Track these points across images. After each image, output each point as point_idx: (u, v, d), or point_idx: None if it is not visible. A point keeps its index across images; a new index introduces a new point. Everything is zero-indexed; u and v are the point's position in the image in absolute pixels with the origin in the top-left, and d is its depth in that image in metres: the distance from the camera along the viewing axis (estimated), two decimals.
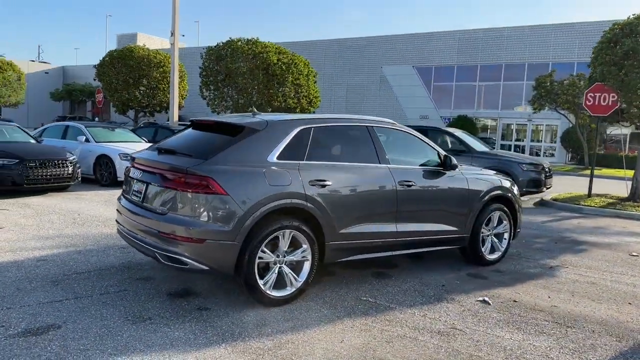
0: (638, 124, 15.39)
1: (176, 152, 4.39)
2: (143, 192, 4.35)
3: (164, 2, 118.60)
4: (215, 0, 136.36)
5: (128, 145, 11.86)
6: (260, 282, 4.12)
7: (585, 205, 11.12)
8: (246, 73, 22.21)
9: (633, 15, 11.49)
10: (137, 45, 30.07)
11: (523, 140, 34.07)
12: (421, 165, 5.40)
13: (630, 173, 12.87)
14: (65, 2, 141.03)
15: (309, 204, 4.29)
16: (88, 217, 7.74)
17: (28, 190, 9.66)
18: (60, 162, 9.95)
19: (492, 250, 5.96)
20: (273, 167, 4.23)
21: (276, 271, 4.25)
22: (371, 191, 4.82)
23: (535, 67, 31.75)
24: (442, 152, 5.55)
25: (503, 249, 6.05)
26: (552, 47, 32.12)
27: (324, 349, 3.52)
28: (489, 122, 35.46)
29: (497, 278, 5.43)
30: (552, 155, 32.40)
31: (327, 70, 38.87)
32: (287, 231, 4.22)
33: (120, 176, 11.07)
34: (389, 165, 4.99)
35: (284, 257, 4.28)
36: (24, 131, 11.45)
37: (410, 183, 5.06)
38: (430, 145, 5.57)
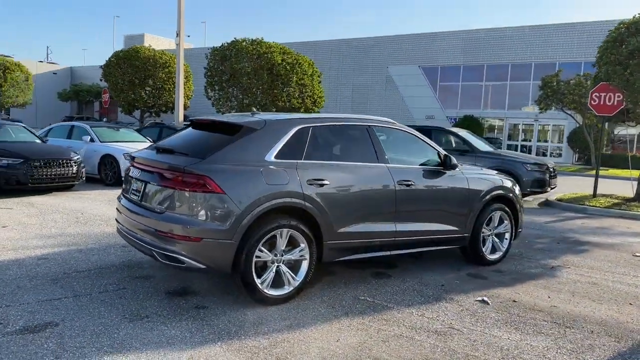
0: None
1: (174, 151, 4.41)
2: (142, 191, 4.38)
3: (171, 3, 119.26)
4: (222, 1, 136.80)
5: (133, 145, 11.91)
6: (258, 281, 4.13)
7: (589, 206, 11.04)
8: (251, 73, 22.28)
9: (639, 14, 11.40)
10: (142, 45, 30.22)
11: (530, 141, 33.83)
12: (421, 164, 5.39)
13: (635, 173, 12.79)
14: (73, 4, 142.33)
15: (306, 203, 4.29)
16: (91, 216, 7.79)
17: (32, 189, 9.74)
18: (64, 161, 10.03)
19: (493, 250, 5.94)
20: (271, 166, 4.23)
21: (274, 270, 4.25)
22: (370, 190, 4.81)
23: (541, 66, 31.49)
24: (442, 152, 5.53)
25: (504, 249, 6.01)
26: (555, 46, 31.91)
27: (320, 348, 3.52)
28: (496, 122, 35.26)
29: (497, 278, 5.41)
30: (559, 155, 32.17)
31: (332, 70, 38.87)
32: (285, 230, 4.22)
33: None
34: (388, 165, 4.98)
35: (282, 256, 4.28)
36: (30, 131, 11.55)
37: (410, 182, 5.04)
38: (430, 145, 5.56)
